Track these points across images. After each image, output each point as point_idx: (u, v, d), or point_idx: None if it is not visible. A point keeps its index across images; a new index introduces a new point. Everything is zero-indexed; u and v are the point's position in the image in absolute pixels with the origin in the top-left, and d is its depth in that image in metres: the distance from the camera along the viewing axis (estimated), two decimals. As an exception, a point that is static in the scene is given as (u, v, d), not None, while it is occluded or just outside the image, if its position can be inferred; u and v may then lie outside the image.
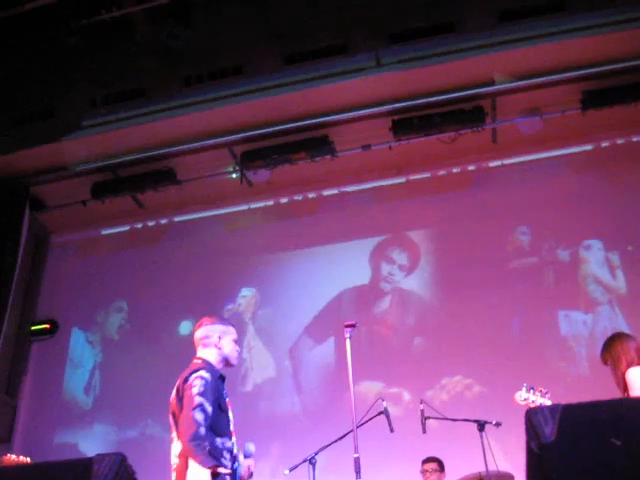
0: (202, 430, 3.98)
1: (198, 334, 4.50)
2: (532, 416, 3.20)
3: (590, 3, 7.81)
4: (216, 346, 4.42)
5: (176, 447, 4.16)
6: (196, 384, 4.11)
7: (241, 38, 8.60)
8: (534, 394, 4.90)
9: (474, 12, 8.14)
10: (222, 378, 4.37)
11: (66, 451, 9.02)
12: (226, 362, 4.48)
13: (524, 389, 4.92)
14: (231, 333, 4.54)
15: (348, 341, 4.89)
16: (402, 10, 8.28)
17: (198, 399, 4.05)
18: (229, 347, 4.47)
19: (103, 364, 9.77)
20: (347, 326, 4.93)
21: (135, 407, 9.11)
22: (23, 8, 8.13)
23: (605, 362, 5.14)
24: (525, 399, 4.89)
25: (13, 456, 5.82)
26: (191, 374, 4.19)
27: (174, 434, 4.21)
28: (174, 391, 4.27)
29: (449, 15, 8.22)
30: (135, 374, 9.32)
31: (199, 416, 4.00)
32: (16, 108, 9.23)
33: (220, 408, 4.19)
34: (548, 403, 4.79)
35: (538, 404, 4.81)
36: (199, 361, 4.37)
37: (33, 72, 8.98)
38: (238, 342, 4.60)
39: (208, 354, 4.41)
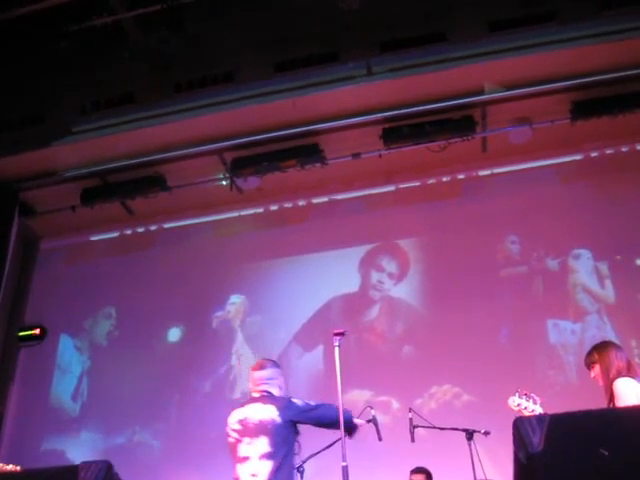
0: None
1: (265, 374, 5.17)
2: (520, 425, 3.19)
3: (579, 14, 7.86)
4: (279, 387, 5.16)
5: (252, 466, 4.68)
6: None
7: (232, 45, 8.61)
8: (527, 400, 4.91)
9: (465, 22, 8.18)
10: None
11: (53, 458, 8.96)
12: None
13: (517, 395, 4.93)
14: None
15: (337, 349, 4.87)
16: (393, 19, 8.31)
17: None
18: (285, 387, 5.28)
19: (91, 370, 9.72)
20: (336, 334, 4.90)
21: (123, 414, 9.05)
22: (13, 13, 8.11)
23: (590, 364, 5.12)
24: (518, 405, 4.89)
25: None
26: (287, 401, 5.00)
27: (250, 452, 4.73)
28: (265, 414, 4.86)
29: (440, 24, 8.26)
30: (123, 381, 9.26)
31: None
32: (6, 113, 9.21)
33: None
34: (540, 410, 4.80)
35: (530, 411, 4.81)
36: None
37: (23, 77, 8.96)
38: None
39: (275, 391, 5.11)
